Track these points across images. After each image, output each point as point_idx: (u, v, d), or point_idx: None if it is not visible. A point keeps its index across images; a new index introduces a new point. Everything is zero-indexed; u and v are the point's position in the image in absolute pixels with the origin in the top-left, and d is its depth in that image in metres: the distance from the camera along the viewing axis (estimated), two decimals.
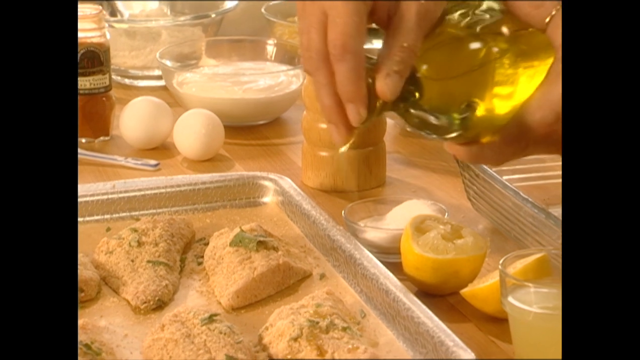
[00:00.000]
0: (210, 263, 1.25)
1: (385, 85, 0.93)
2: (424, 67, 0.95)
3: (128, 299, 1.19)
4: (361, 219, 1.32)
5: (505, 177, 1.25)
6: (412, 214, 1.24)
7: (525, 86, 0.94)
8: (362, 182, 1.47)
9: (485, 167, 1.26)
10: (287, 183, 1.41)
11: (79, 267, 1.19)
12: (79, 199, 1.36)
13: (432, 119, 0.95)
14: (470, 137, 0.97)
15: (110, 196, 1.38)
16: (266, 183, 1.42)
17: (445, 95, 0.95)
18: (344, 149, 1.01)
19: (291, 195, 1.38)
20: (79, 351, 1.03)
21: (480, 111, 0.94)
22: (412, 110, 0.95)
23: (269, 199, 1.41)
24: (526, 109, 0.94)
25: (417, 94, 0.95)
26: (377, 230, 1.28)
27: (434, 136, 0.98)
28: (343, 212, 1.32)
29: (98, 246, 1.27)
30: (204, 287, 1.23)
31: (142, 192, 1.39)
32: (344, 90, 0.94)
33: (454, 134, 0.96)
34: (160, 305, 1.18)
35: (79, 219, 1.35)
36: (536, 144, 0.96)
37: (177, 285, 1.23)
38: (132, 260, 1.23)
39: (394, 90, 0.93)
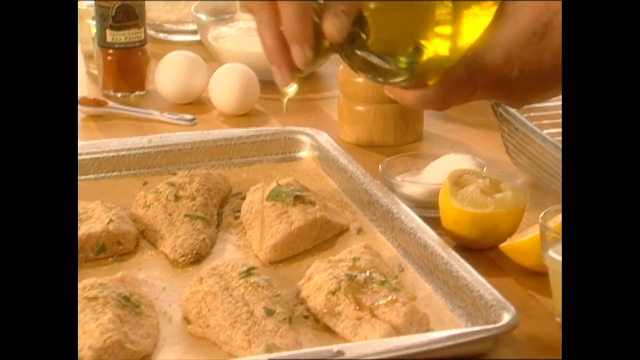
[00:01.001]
0: (247, 217, 1.25)
1: (333, 25, 0.90)
2: (372, 5, 0.92)
3: (166, 252, 1.20)
4: (398, 174, 1.32)
5: (545, 132, 1.23)
6: (450, 168, 1.24)
7: (471, 26, 0.92)
8: (399, 136, 1.47)
9: (525, 120, 1.25)
10: (324, 138, 1.41)
11: (117, 220, 1.21)
12: (116, 153, 1.37)
13: (379, 62, 0.92)
14: (416, 80, 0.94)
15: (146, 150, 1.38)
16: (302, 138, 1.42)
17: (392, 36, 0.93)
18: (289, 92, 0.97)
19: (327, 150, 1.38)
20: (117, 302, 1.05)
21: (427, 53, 0.92)
22: (358, 52, 0.92)
23: (305, 153, 1.42)
24: (475, 51, 0.92)
25: (364, 35, 0.92)
26: (414, 185, 1.28)
27: (380, 80, 0.94)
28: (380, 166, 1.32)
29: (135, 200, 1.28)
30: (241, 241, 1.24)
31: (179, 147, 1.40)
32: (289, 29, 0.91)
33: (400, 78, 0.94)
34: (197, 258, 1.19)
35: (116, 173, 1.37)
36: (484, 88, 0.93)
37: (215, 239, 1.23)
38: (170, 214, 1.24)
39: (342, 31, 0.90)
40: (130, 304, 1.07)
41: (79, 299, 1.05)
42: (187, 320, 1.08)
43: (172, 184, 1.29)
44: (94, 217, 1.22)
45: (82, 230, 1.19)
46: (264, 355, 0.98)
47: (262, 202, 1.25)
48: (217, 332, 1.05)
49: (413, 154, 1.37)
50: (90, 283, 1.08)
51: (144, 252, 1.22)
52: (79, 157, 1.35)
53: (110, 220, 1.21)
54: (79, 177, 1.35)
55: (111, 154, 1.38)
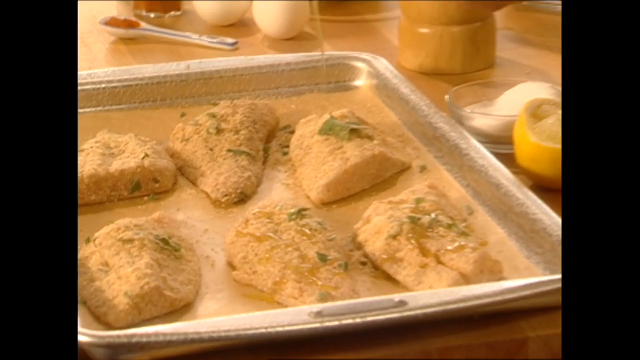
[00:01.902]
0: (297, 153, 1.27)
1: None
2: None
3: (207, 191, 1.22)
4: (468, 105, 1.32)
5: None
6: (527, 98, 1.23)
7: None
8: (469, 62, 1.47)
9: None
10: (383, 64, 1.41)
11: (153, 155, 1.23)
12: (150, 81, 1.39)
13: None
14: None
15: (184, 78, 1.40)
16: (358, 64, 1.43)
17: None
18: None
19: (387, 78, 1.38)
20: (155, 246, 1.07)
21: None
22: None
23: (361, 82, 1.43)
24: None
25: None
26: (486, 117, 1.28)
27: None
28: (447, 96, 1.32)
29: (173, 133, 1.30)
30: (291, 179, 1.25)
31: (220, 74, 1.41)
32: None
33: None
34: (242, 198, 1.21)
35: (150, 103, 1.39)
36: None
37: (261, 177, 1.25)
38: (211, 149, 1.26)
39: None
40: (169, 248, 1.09)
41: (113, 241, 1.08)
42: (231, 266, 1.10)
43: (213, 116, 1.30)
44: (127, 151, 1.24)
45: (115, 166, 1.21)
46: (317, 305, 1.00)
47: (314, 137, 1.26)
48: (265, 279, 1.07)
49: (484, 83, 1.37)
50: (125, 224, 1.11)
51: (182, 190, 1.24)
52: (110, 85, 1.38)
53: (146, 155, 1.23)
54: (110, 107, 1.38)
55: (145, 82, 1.40)
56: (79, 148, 1.25)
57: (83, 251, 1.10)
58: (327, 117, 1.28)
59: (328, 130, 1.26)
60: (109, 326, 1.02)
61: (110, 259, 1.08)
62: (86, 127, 1.33)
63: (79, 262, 1.08)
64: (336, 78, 1.43)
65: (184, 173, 1.27)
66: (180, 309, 1.04)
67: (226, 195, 1.22)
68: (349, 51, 1.46)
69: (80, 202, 1.20)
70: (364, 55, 1.44)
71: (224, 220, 1.19)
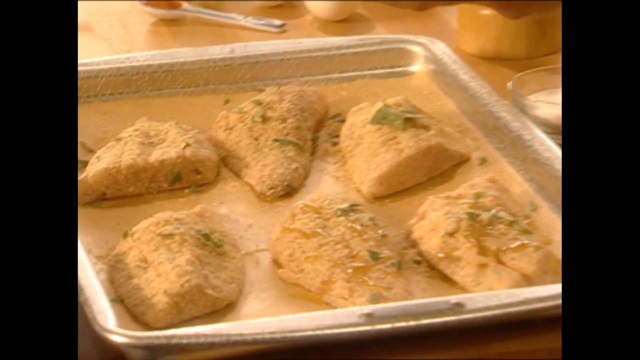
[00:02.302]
0: (348, 144, 1.26)
1: None
2: None
3: (252, 183, 1.22)
4: (532, 93, 1.32)
5: None
6: None
7: None
8: (533, 47, 1.46)
9: None
10: (440, 48, 1.40)
11: (195, 145, 1.23)
12: (192, 65, 1.39)
13: None
14: None
15: (228, 62, 1.40)
16: (414, 48, 1.42)
17: None
18: None
19: (445, 63, 1.37)
20: (196, 241, 1.07)
21: None
22: None
23: (417, 67, 1.42)
24: None
25: None
26: (551, 106, 1.28)
27: None
28: (509, 83, 1.32)
29: (216, 121, 1.30)
30: (340, 171, 1.25)
31: (266, 58, 1.40)
32: None
33: None
34: (289, 191, 1.21)
35: (192, 88, 1.38)
36: None
37: (309, 168, 1.25)
38: (256, 139, 1.25)
39: None
40: (211, 243, 1.09)
41: (152, 235, 1.08)
42: (277, 263, 1.09)
43: (258, 103, 1.29)
44: (167, 140, 1.24)
45: (155, 155, 1.21)
46: (368, 306, 1.00)
47: (366, 126, 1.25)
48: (312, 278, 1.07)
49: (550, 69, 1.36)
50: (164, 218, 1.11)
51: (225, 182, 1.24)
52: (149, 70, 1.38)
53: (187, 145, 1.23)
54: (149, 93, 1.38)
55: (186, 67, 1.40)
56: (118, 136, 1.26)
57: (120, 246, 1.11)
58: (379, 105, 1.27)
59: (381, 119, 1.25)
60: (147, 326, 1.02)
61: (149, 254, 1.08)
62: (124, 114, 1.34)
63: (115, 258, 1.09)
64: (390, 63, 1.42)
65: (227, 164, 1.27)
66: (222, 309, 1.04)
67: (272, 188, 1.22)
68: (404, 34, 1.45)
69: (117, 193, 1.21)
70: (421, 39, 1.43)
71: (269, 215, 1.18)
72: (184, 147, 1.24)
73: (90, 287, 1.01)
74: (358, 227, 1.09)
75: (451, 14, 1.57)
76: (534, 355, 0.98)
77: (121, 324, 0.98)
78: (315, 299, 1.05)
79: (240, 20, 1.60)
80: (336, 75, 1.42)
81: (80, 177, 1.19)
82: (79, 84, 1.33)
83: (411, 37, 1.44)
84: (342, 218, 1.10)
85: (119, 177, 1.21)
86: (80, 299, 0.99)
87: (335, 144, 1.30)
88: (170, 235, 1.08)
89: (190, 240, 1.08)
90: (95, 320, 0.97)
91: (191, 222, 1.11)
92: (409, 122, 1.25)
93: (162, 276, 1.04)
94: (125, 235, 1.12)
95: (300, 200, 1.15)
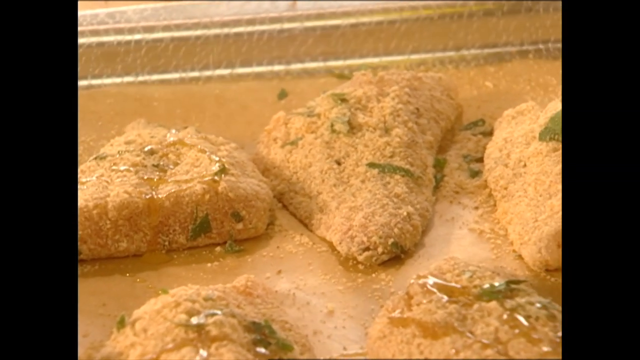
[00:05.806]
0: (500, 174, 1.30)
1: None
2: None
3: (332, 239, 1.16)
4: None
5: None
6: None
7: None
8: None
9: None
10: None
11: (233, 170, 1.19)
12: (221, 30, 1.44)
13: None
14: None
15: (286, 25, 1.48)
16: None
17: None
18: None
19: None
20: (243, 339, 1.03)
21: None
22: None
23: None
24: None
25: None
26: None
27: None
28: None
29: (267, 129, 1.33)
30: (486, 222, 1.26)
31: (351, 20, 1.44)
32: None
33: None
34: (397, 254, 1.18)
35: (220, 69, 1.45)
36: None
37: (430, 215, 1.27)
38: (338, 162, 1.29)
39: None
40: (269, 342, 1.02)
41: (168, 326, 1.05)
42: None
43: (341, 99, 1.35)
44: (184, 161, 1.20)
45: (164, 188, 1.16)
46: None
47: (531, 144, 1.21)
48: None
49: None
50: (185, 296, 1.05)
51: (285, 236, 1.17)
52: (150, 35, 1.45)
53: (221, 169, 1.15)
54: (149, 76, 1.45)
55: (213, 31, 1.47)
56: (100, 153, 1.31)
57: (113, 342, 1.07)
58: (555, 106, 1.12)
59: (556, 131, 1.12)
60: None
61: (165, 358, 1.02)
62: (109, 111, 1.30)
63: None
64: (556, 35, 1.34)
65: (286, 204, 1.19)
66: None
67: (367, 249, 1.14)
68: None
69: (101, 252, 1.15)
70: None
71: (363, 295, 1.12)
72: (215, 174, 1.15)
73: None
74: (522, 321, 1.07)
75: None
76: None
77: None
78: None
79: None
80: (473, 51, 1.34)
81: None
82: None
83: None
84: (492, 304, 1.08)
85: (102, 224, 1.16)
86: None
87: (475, 173, 1.23)
88: (199, 328, 1.02)
89: (233, 336, 1.01)
90: None
91: (232, 305, 1.06)
92: None
93: None
94: (122, 323, 1.07)
95: (419, 270, 1.11)
